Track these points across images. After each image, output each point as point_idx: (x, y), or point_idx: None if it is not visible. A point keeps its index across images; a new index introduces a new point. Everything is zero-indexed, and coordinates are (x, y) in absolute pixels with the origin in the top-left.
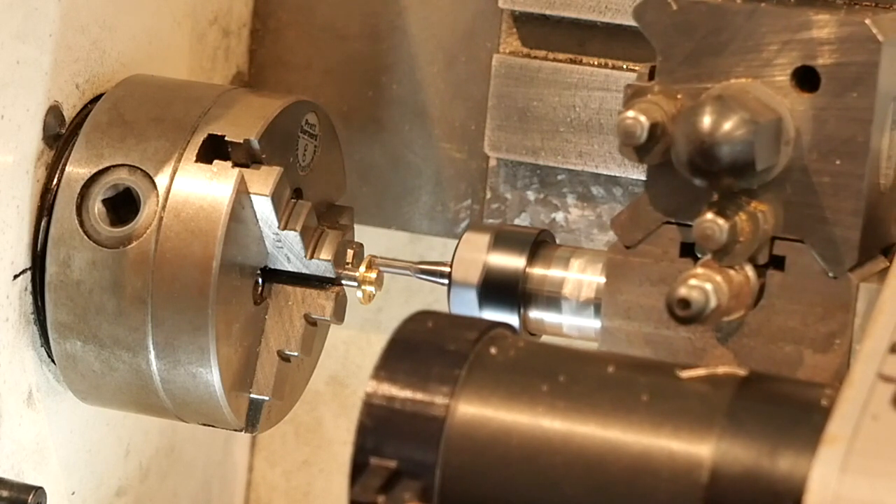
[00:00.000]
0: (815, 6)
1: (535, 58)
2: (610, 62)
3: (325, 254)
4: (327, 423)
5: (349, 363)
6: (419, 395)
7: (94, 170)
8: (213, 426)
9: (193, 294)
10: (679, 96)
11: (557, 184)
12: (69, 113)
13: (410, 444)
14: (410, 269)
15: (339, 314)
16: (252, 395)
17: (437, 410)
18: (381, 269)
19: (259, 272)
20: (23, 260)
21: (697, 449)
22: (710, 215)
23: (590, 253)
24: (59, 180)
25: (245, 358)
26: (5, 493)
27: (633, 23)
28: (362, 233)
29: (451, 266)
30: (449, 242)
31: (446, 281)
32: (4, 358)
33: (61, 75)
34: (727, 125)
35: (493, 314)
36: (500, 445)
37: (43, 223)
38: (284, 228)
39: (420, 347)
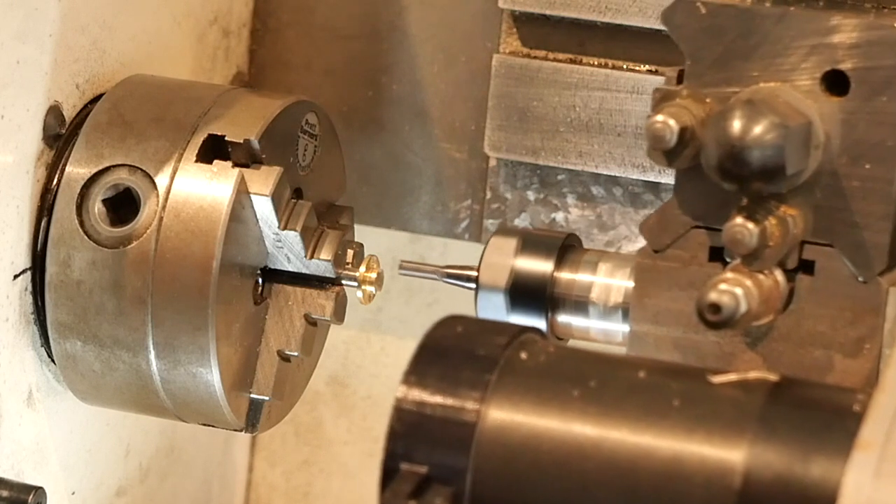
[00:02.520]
0: (843, 10)
1: (535, 58)
2: (610, 62)
3: (325, 254)
4: (327, 423)
5: (349, 363)
6: (450, 401)
7: (94, 170)
8: (213, 426)
9: (193, 294)
10: (708, 100)
11: (557, 184)
12: (69, 113)
13: (441, 450)
14: (437, 274)
15: (339, 314)
16: (252, 395)
17: (468, 415)
18: (408, 273)
19: (259, 272)
20: (23, 260)
21: (730, 454)
22: (739, 220)
23: (617, 257)
24: (59, 180)
25: (245, 358)
26: (5, 493)
27: (633, 23)
28: (362, 233)
29: (478, 270)
30: (449, 242)
31: (473, 285)
32: (4, 358)
33: (61, 75)
34: (757, 129)
35: (520, 318)
36: (531, 451)
37: (43, 223)
38: (284, 228)
39: (450, 352)
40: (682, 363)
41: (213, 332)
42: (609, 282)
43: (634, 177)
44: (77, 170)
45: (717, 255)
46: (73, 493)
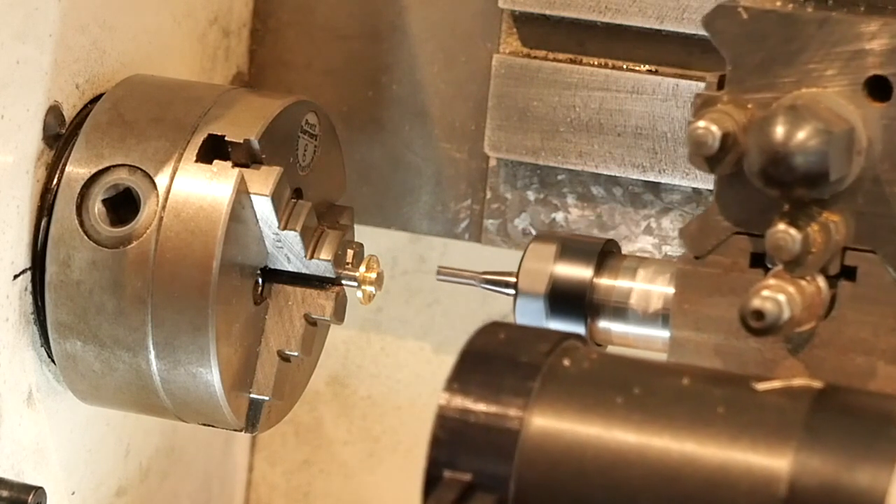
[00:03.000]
0: (885, 15)
1: (535, 58)
2: (610, 62)
3: (325, 254)
4: (327, 423)
5: (349, 363)
6: (493, 408)
7: (94, 170)
8: (213, 426)
9: (193, 294)
10: (749, 106)
11: (557, 184)
12: (69, 113)
13: (485, 457)
14: (475, 280)
15: (339, 314)
16: (252, 395)
17: (512, 423)
18: (446, 279)
19: (259, 272)
20: (23, 260)
21: (775, 462)
22: (782, 226)
23: (656, 263)
24: (59, 180)
25: (245, 358)
26: (5, 493)
27: (633, 23)
28: (362, 233)
29: (517, 276)
30: (449, 242)
31: (512, 291)
32: (4, 358)
33: (61, 75)
34: (801, 135)
35: (559, 324)
36: (574, 458)
37: (43, 223)
38: (284, 228)
39: (492, 359)
40: (725, 370)
41: (213, 332)
42: (648, 288)
43: (634, 177)
44: (77, 170)
45: (759, 262)
46: (73, 493)
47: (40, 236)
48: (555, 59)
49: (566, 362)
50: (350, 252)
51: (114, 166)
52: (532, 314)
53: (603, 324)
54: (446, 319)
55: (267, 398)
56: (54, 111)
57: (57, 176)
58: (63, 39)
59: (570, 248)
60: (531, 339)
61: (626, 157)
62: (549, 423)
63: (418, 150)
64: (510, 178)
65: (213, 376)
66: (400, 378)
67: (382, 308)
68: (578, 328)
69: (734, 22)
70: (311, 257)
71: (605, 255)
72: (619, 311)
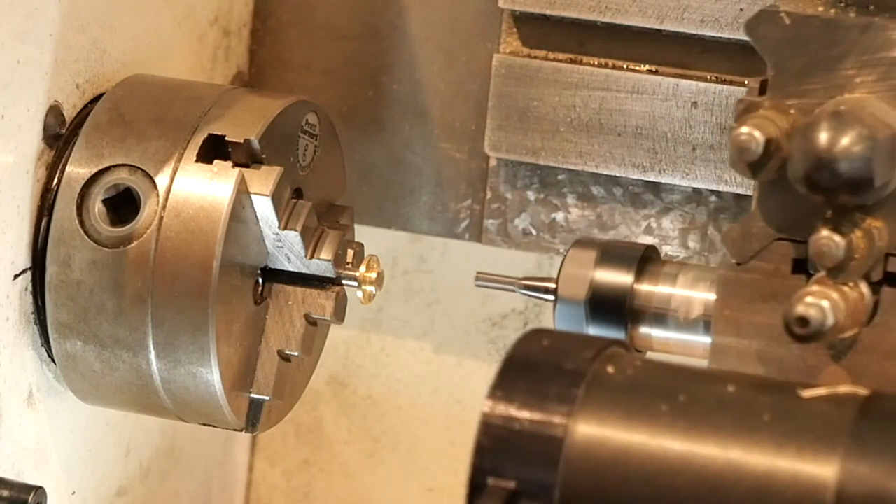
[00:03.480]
0: None
1: (536, 58)
2: (610, 62)
3: (326, 254)
4: (327, 423)
5: (349, 363)
6: (537, 415)
7: (95, 170)
8: (213, 426)
9: (193, 294)
10: (791, 111)
11: (557, 184)
12: (69, 113)
13: (529, 465)
14: (514, 285)
15: (340, 314)
16: (252, 395)
17: (556, 430)
18: (484, 284)
19: (259, 272)
20: (23, 260)
21: (822, 470)
22: (826, 232)
23: (697, 269)
24: (60, 180)
25: (245, 358)
26: (5, 493)
27: (633, 23)
28: (362, 233)
29: (556, 282)
30: (449, 242)
31: (552, 297)
32: (4, 358)
33: (61, 75)
34: (845, 141)
35: (599, 330)
36: (620, 466)
37: (43, 223)
38: (284, 228)
39: (537, 366)
40: (770, 377)
41: (213, 332)
42: (689, 294)
43: (634, 177)
44: (77, 170)
45: (801, 268)
46: (73, 493)
47: (40, 236)
48: (555, 59)
49: (610, 369)
50: (350, 252)
51: (114, 166)
52: (572, 320)
53: (643, 330)
54: (446, 319)
55: (267, 398)
56: (54, 111)
57: (57, 176)
58: (63, 39)
59: (610, 253)
60: (575, 346)
61: (626, 157)
62: (593, 430)
63: (418, 150)
64: (510, 178)
65: (213, 376)
66: (400, 378)
67: (382, 308)
68: (618, 334)
69: (777, 27)
70: (312, 257)
71: (646, 260)
72: (660, 317)
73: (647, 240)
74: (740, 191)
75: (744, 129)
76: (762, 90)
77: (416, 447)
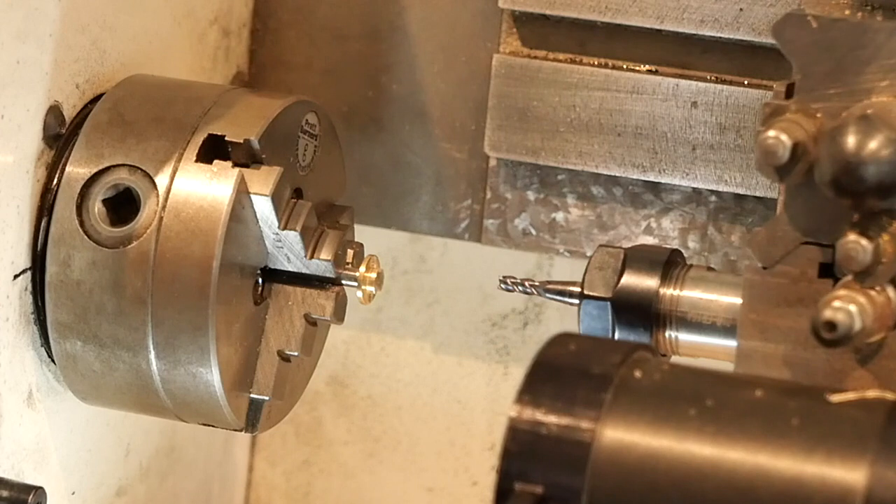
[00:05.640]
0: None
1: (535, 58)
2: (610, 62)
3: (325, 254)
4: (327, 423)
5: (349, 363)
6: (565, 420)
7: (95, 170)
8: (213, 426)
9: (193, 294)
10: (818, 115)
11: (557, 184)
12: (69, 113)
13: (557, 470)
14: (539, 289)
15: (339, 314)
16: (252, 395)
17: (584, 435)
18: (508, 288)
19: (259, 272)
20: (23, 260)
21: (851, 475)
22: (853, 236)
23: (722, 273)
24: (59, 180)
25: (245, 358)
26: (5, 493)
27: (633, 23)
28: (362, 233)
29: (581, 286)
30: (449, 242)
31: (577, 301)
32: (4, 358)
33: (61, 75)
34: (873, 145)
35: (624, 335)
36: (647, 471)
37: (43, 223)
38: (284, 228)
39: (564, 371)
40: (798, 382)
41: (213, 332)
42: (715, 298)
43: (634, 177)
44: (77, 170)
45: (827, 272)
46: (73, 493)
47: (40, 236)
48: (555, 59)
49: (638, 374)
50: (350, 252)
51: (114, 166)
52: (597, 324)
53: (669, 334)
54: (446, 319)
55: (267, 398)
56: (54, 111)
57: (57, 176)
58: (63, 39)
59: (635, 257)
60: (602, 351)
61: (626, 157)
62: (621, 435)
63: (418, 150)
64: (510, 178)
65: (213, 376)
66: (400, 378)
67: (382, 308)
68: (643, 338)
69: (804, 31)
70: (312, 257)
71: (671, 264)
72: (685, 321)
73: (647, 240)
74: (740, 191)
75: (771, 133)
76: (788, 94)
77: (416, 447)
